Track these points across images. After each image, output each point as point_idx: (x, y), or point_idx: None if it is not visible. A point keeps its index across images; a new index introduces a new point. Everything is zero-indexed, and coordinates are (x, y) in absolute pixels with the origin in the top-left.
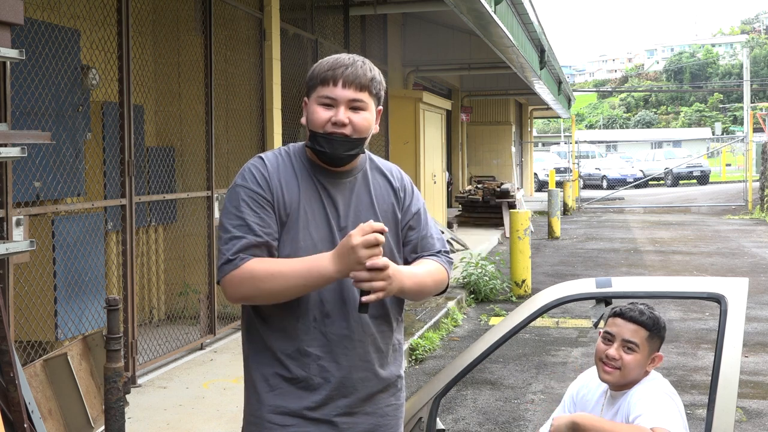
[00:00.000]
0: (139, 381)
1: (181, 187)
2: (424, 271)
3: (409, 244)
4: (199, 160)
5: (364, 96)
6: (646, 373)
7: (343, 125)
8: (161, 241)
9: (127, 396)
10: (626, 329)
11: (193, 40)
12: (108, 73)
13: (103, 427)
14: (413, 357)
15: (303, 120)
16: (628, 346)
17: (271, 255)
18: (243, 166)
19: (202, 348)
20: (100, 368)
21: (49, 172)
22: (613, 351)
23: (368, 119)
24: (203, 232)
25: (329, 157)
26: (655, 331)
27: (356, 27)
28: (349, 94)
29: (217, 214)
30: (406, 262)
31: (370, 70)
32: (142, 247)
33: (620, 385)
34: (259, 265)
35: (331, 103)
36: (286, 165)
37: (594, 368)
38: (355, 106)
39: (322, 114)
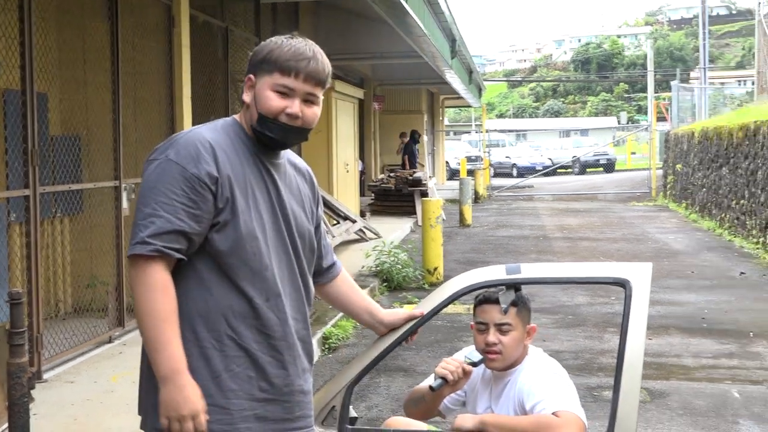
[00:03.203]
0: (45, 376)
1: (88, 177)
2: None
3: (318, 248)
4: (106, 150)
5: (318, 91)
6: (525, 347)
7: (297, 118)
8: (67, 233)
9: (32, 391)
10: (495, 312)
11: (99, 27)
12: (10, 59)
13: (6, 425)
14: (326, 346)
15: (247, 98)
16: (502, 328)
17: (190, 246)
18: (176, 137)
19: (110, 341)
20: (3, 363)
21: None
22: (491, 337)
23: (317, 113)
24: (111, 222)
25: (276, 143)
26: (522, 304)
27: (267, 15)
28: (308, 88)
29: (125, 204)
30: (318, 267)
31: (327, 64)
32: (47, 238)
33: (506, 367)
34: (161, 285)
35: (287, 93)
36: (228, 142)
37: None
38: (308, 99)
39: (277, 102)
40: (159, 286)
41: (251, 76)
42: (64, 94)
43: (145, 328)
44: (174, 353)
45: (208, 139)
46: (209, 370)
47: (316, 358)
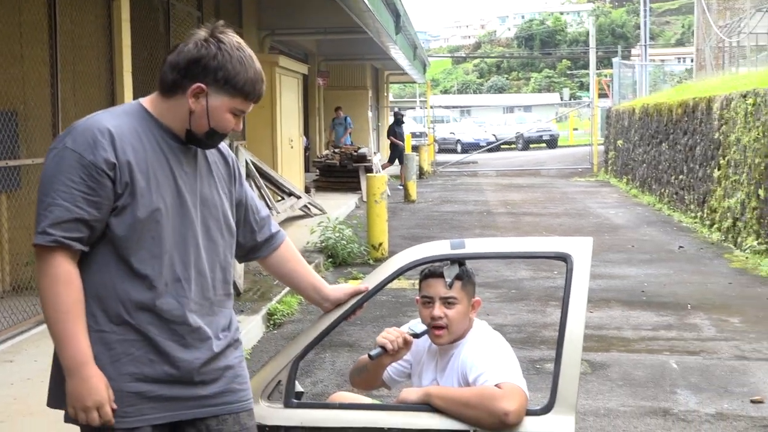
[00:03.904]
0: None
1: (26, 152)
2: None
3: (248, 224)
4: (44, 125)
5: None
6: (471, 321)
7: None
8: (5, 210)
9: None
10: (440, 286)
11: (35, 0)
12: None
13: None
14: (271, 322)
15: (195, 107)
16: (447, 301)
17: (92, 233)
18: (74, 125)
19: None
20: None
21: None
22: (436, 311)
23: None
24: None
25: (209, 148)
26: (466, 278)
27: None
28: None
29: None
30: (254, 242)
31: None
32: None
33: (451, 341)
34: (64, 277)
35: (238, 115)
36: (130, 128)
37: None
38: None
39: (233, 123)
40: (62, 279)
41: (202, 86)
42: None
43: (49, 320)
44: (79, 345)
45: (107, 125)
46: (108, 354)
47: (260, 335)
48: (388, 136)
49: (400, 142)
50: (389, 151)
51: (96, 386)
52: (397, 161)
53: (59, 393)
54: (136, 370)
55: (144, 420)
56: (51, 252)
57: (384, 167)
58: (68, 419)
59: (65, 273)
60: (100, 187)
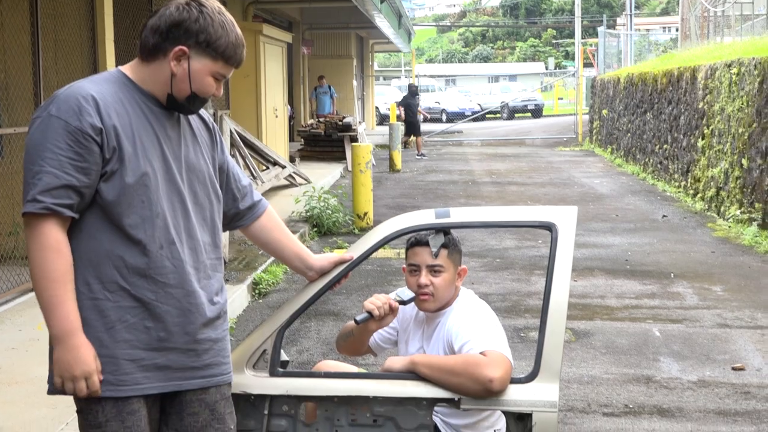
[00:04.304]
0: None
1: (7, 121)
2: None
3: (230, 191)
4: (26, 94)
5: None
6: (456, 289)
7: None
8: None
9: None
10: (427, 255)
11: None
12: None
13: None
14: (257, 291)
15: (177, 70)
16: (434, 269)
17: (81, 200)
18: (57, 93)
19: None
20: None
21: None
22: (423, 279)
23: None
24: None
25: (191, 113)
26: (453, 246)
27: None
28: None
29: None
30: (236, 210)
31: None
32: None
33: (437, 308)
34: (54, 245)
35: (219, 79)
36: (112, 94)
37: None
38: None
39: (213, 87)
40: (52, 246)
41: (184, 48)
42: None
43: (38, 288)
44: (67, 314)
45: (90, 92)
46: (103, 321)
47: (245, 305)
48: (398, 106)
49: (415, 115)
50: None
51: (84, 356)
52: (413, 132)
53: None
54: (132, 337)
55: (139, 389)
56: (41, 220)
57: (404, 142)
58: (52, 391)
59: (55, 241)
60: (88, 152)
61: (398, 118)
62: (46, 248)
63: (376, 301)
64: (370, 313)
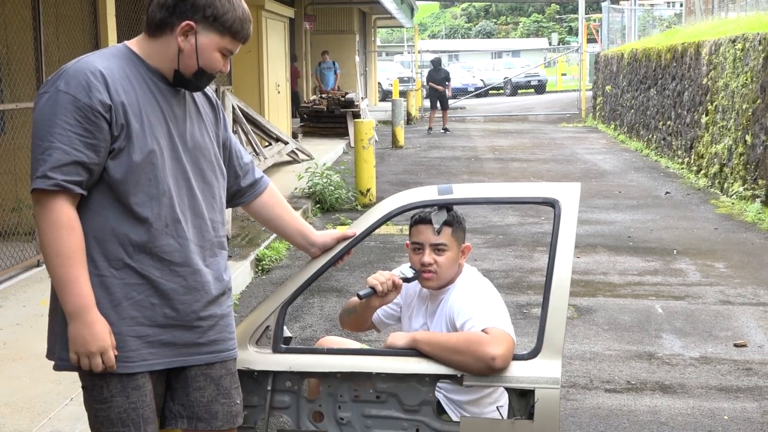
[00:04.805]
0: None
1: (9, 97)
2: None
3: (232, 168)
4: (28, 69)
5: None
6: (460, 266)
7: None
8: None
9: None
10: (430, 233)
11: None
12: None
13: None
14: (260, 267)
15: (184, 45)
16: (437, 248)
17: (90, 177)
18: (65, 68)
19: (38, 265)
20: None
21: None
22: (426, 257)
23: None
24: None
25: (198, 89)
26: (457, 224)
27: None
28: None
29: None
30: (238, 187)
31: None
32: None
33: (441, 286)
34: (66, 222)
35: (227, 55)
36: (120, 70)
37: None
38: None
39: (221, 63)
40: (64, 223)
41: (191, 23)
42: None
43: (51, 265)
44: (82, 290)
45: (99, 67)
46: (109, 299)
47: (248, 281)
48: (428, 83)
49: (440, 87)
50: (429, 98)
51: (100, 331)
52: (439, 106)
53: (57, 340)
54: (138, 314)
55: (145, 365)
56: (52, 196)
57: (430, 118)
58: (60, 367)
59: (67, 218)
60: (97, 129)
61: (431, 95)
62: (58, 226)
63: (379, 277)
64: (373, 288)
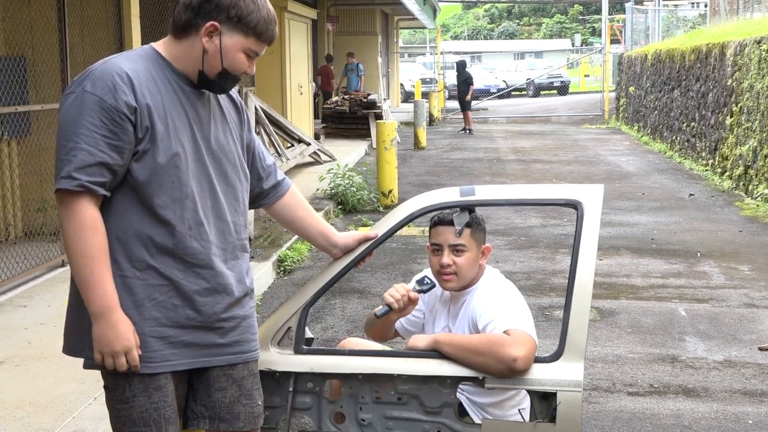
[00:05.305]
0: None
1: (35, 98)
2: None
3: (255, 171)
4: (53, 71)
5: None
6: (481, 267)
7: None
8: (15, 156)
9: None
10: (450, 234)
11: None
12: None
13: None
14: (282, 268)
15: (209, 46)
16: (456, 249)
17: (114, 178)
18: (91, 69)
19: (63, 265)
20: None
21: None
22: (445, 259)
23: None
24: None
25: (222, 91)
26: (476, 224)
27: None
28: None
29: None
30: (260, 189)
31: None
32: None
33: (461, 287)
34: (90, 223)
35: (252, 56)
36: (146, 72)
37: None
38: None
39: (246, 65)
40: (88, 224)
41: (216, 24)
42: (6, 13)
43: (75, 266)
44: (106, 290)
45: (125, 69)
46: (132, 299)
47: (270, 282)
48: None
49: (464, 92)
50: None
51: (124, 331)
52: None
53: (73, 340)
54: (160, 315)
55: (167, 366)
56: (76, 197)
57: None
58: (89, 365)
59: (91, 218)
60: (122, 131)
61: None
62: (83, 227)
63: (395, 294)
64: (389, 306)
